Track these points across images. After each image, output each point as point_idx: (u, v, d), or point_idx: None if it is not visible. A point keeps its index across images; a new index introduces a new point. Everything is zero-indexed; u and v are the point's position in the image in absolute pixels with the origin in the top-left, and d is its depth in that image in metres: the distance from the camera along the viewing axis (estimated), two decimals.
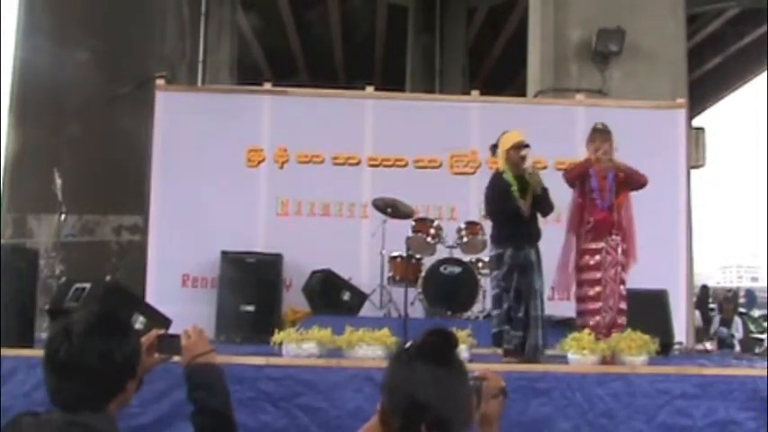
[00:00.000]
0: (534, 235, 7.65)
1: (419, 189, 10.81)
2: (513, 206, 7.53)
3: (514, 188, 7.56)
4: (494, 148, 7.91)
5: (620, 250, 7.59)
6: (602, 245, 7.57)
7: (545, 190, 7.73)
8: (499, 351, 7.37)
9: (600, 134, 7.77)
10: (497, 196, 7.71)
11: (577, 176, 7.78)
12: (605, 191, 7.65)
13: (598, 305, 7.49)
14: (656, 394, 6.23)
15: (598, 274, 7.54)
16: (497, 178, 7.77)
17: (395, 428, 2.49)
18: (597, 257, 7.56)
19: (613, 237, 7.59)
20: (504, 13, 23.60)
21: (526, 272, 7.47)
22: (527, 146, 7.65)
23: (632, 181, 7.74)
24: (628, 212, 7.80)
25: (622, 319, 7.47)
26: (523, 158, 7.64)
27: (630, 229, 7.77)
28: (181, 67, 14.28)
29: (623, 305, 7.52)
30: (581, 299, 7.63)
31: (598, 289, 7.52)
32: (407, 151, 11.16)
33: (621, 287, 7.57)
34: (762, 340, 15.30)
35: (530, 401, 6.11)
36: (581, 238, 7.69)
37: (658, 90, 12.43)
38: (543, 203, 7.72)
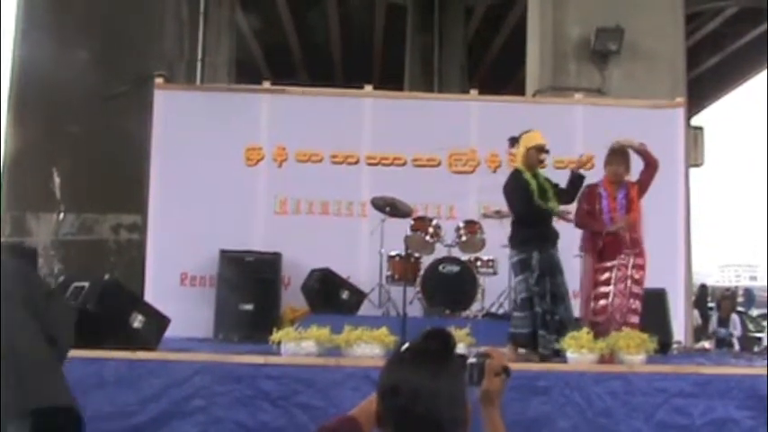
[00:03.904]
0: (555, 236, 7.84)
1: (418, 188, 10.80)
2: (545, 209, 7.70)
3: (533, 187, 7.72)
4: (513, 140, 7.99)
5: (630, 265, 7.64)
6: (613, 263, 7.65)
7: (556, 186, 8.01)
8: (503, 350, 7.35)
9: (616, 156, 7.86)
10: (526, 197, 7.80)
11: (586, 210, 7.90)
12: (616, 211, 7.73)
13: (601, 318, 7.55)
14: (654, 393, 6.24)
15: (607, 289, 7.61)
16: (519, 178, 7.86)
17: (388, 431, 2.49)
18: (607, 274, 7.65)
19: (622, 256, 7.64)
20: (502, 12, 23.62)
21: (555, 274, 7.64)
22: (548, 151, 7.86)
23: (647, 169, 7.85)
24: (640, 230, 7.89)
25: None
26: (541, 162, 8.00)
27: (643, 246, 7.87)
28: (179, 65, 14.27)
29: (634, 319, 7.55)
30: (592, 312, 7.70)
31: (603, 303, 7.59)
32: (406, 150, 11.15)
33: (632, 301, 7.61)
34: (760, 339, 15.32)
35: (529, 400, 6.12)
36: (595, 257, 7.79)
37: (657, 89, 12.42)
38: (563, 197, 8.05)
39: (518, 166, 7.99)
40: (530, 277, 7.59)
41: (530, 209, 7.79)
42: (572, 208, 8.17)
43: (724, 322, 15.07)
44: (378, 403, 2.52)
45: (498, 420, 2.82)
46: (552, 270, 7.67)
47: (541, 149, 7.85)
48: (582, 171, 8.09)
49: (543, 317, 7.48)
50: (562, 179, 8.30)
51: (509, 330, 7.81)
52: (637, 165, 7.97)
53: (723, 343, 14.29)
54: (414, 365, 2.48)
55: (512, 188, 7.95)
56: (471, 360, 2.79)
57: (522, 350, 7.58)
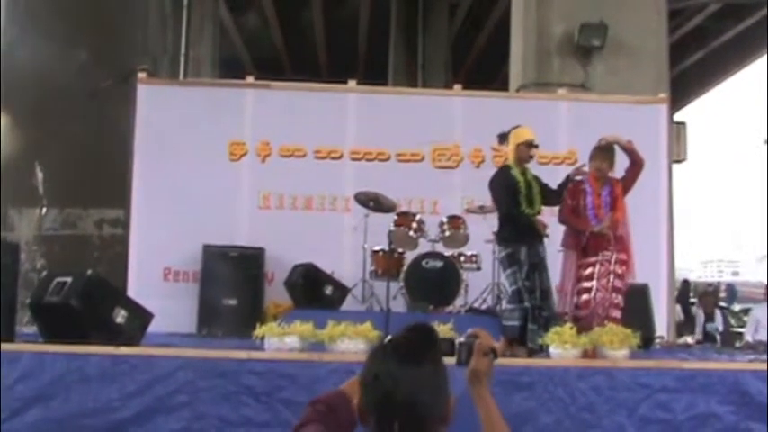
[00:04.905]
0: (542, 231, 7.84)
1: (401, 183, 10.81)
2: (527, 218, 7.74)
3: (521, 186, 7.75)
4: (502, 137, 8.01)
5: (613, 260, 7.66)
6: (596, 258, 7.68)
7: (545, 186, 8.07)
8: (497, 343, 7.37)
9: (601, 152, 7.87)
10: (509, 196, 7.83)
11: (570, 206, 7.94)
12: (600, 208, 7.75)
13: (584, 313, 7.57)
14: (637, 388, 6.25)
15: (590, 284, 7.64)
16: (507, 176, 7.87)
17: (370, 424, 2.49)
18: (591, 269, 7.68)
19: (605, 252, 7.66)
20: (486, 8, 23.62)
21: (541, 270, 7.74)
22: (537, 146, 7.90)
23: (633, 167, 7.88)
24: (625, 227, 7.90)
25: None
26: (531, 157, 8.02)
27: (630, 245, 7.88)
28: (163, 60, 14.23)
29: (616, 314, 7.57)
30: (575, 306, 7.73)
31: (585, 297, 7.62)
32: (390, 145, 11.15)
33: (614, 295, 7.63)
34: (742, 334, 15.35)
35: (512, 395, 6.12)
36: (578, 253, 7.82)
37: (640, 85, 12.46)
38: (551, 198, 8.09)
39: (508, 162, 8.02)
40: (518, 271, 7.65)
41: (517, 212, 7.81)
42: None
43: (709, 317, 15.10)
44: (359, 396, 2.53)
45: (489, 398, 2.88)
46: (542, 266, 7.76)
47: (531, 145, 7.89)
48: (578, 178, 8.07)
49: (533, 312, 7.53)
50: (545, 175, 8.33)
51: (502, 323, 7.86)
52: (622, 162, 8.00)
53: (710, 338, 14.32)
54: (396, 357, 2.49)
55: (498, 185, 7.97)
56: (460, 340, 2.88)
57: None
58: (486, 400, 2.86)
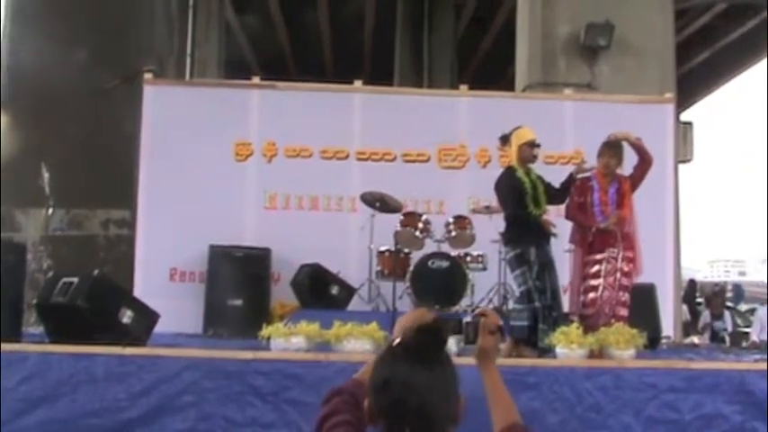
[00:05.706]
0: (548, 231, 7.83)
1: (407, 183, 10.80)
2: (534, 218, 7.76)
3: (527, 187, 7.75)
4: (503, 138, 8.02)
5: (620, 258, 7.65)
6: (603, 255, 7.66)
7: (549, 185, 8.05)
8: (503, 344, 7.36)
9: (609, 149, 7.86)
10: (516, 197, 7.82)
11: (578, 202, 7.93)
12: (607, 205, 7.74)
13: (591, 311, 7.56)
14: (643, 388, 6.24)
15: (596, 282, 7.62)
16: (513, 177, 7.86)
17: (380, 426, 2.48)
18: (597, 267, 7.66)
19: (612, 249, 7.64)
20: (492, 8, 23.61)
21: (551, 270, 7.71)
22: (539, 145, 7.89)
23: (641, 164, 7.87)
24: (632, 225, 7.89)
25: None
26: (535, 157, 7.97)
27: (637, 242, 7.87)
28: (169, 61, 14.25)
29: (623, 312, 7.56)
30: (582, 305, 7.72)
31: (592, 295, 7.61)
32: (396, 145, 11.14)
33: (621, 293, 7.62)
34: (748, 334, 15.35)
35: (519, 395, 6.08)
36: (584, 249, 7.81)
37: (647, 84, 12.45)
38: (556, 197, 8.09)
39: (512, 163, 8.01)
40: (528, 271, 7.61)
41: (524, 212, 7.79)
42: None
43: (717, 318, 15.11)
44: (369, 398, 2.52)
45: (496, 375, 2.91)
46: (551, 265, 7.74)
47: (533, 144, 7.88)
48: (580, 176, 8.05)
49: (543, 312, 7.52)
50: (551, 174, 8.32)
51: (509, 323, 7.83)
52: (630, 160, 7.99)
53: (718, 338, 14.32)
54: (406, 359, 2.48)
55: (504, 186, 7.95)
56: (467, 319, 2.96)
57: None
58: (493, 377, 2.91)
